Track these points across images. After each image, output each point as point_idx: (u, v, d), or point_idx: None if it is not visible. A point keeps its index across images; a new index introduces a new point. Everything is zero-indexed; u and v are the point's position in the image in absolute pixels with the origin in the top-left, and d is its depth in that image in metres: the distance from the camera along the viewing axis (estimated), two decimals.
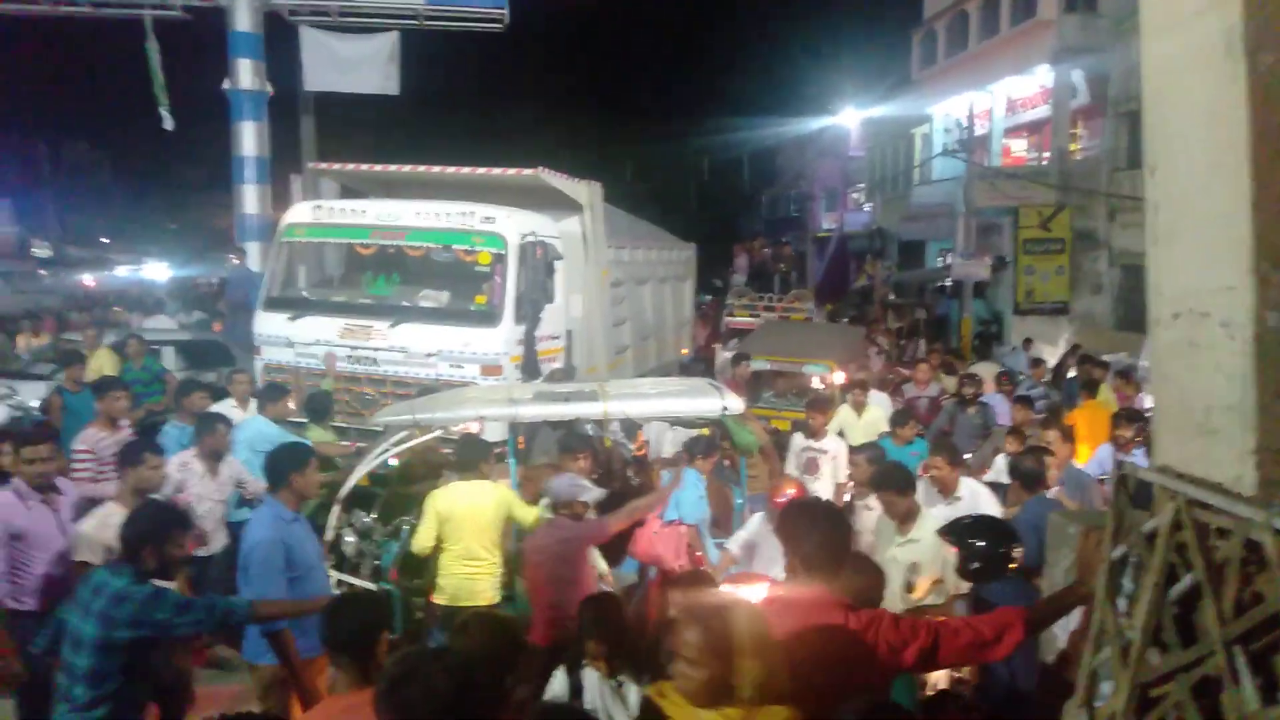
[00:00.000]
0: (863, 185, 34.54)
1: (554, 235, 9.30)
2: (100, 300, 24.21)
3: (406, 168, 10.53)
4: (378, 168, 10.72)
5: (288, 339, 8.89)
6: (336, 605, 3.16)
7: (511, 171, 9.85)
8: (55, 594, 4.50)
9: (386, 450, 5.85)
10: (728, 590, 4.29)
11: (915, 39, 27.64)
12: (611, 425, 7.64)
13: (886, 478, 5.11)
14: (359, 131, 26.26)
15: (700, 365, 14.16)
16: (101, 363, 9.91)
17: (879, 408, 9.00)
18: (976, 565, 3.91)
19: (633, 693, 3.57)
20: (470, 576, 5.35)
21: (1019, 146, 24.89)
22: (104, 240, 45.06)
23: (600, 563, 5.33)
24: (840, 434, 8.13)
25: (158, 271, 35.92)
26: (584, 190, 9.98)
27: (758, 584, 4.24)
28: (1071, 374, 12.09)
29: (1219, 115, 2.06)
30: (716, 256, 26.87)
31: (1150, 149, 2.35)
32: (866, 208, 33.42)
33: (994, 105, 23.85)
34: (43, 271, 30.31)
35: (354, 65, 16.80)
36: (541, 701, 3.44)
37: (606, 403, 5.94)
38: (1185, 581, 2.20)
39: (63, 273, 31.37)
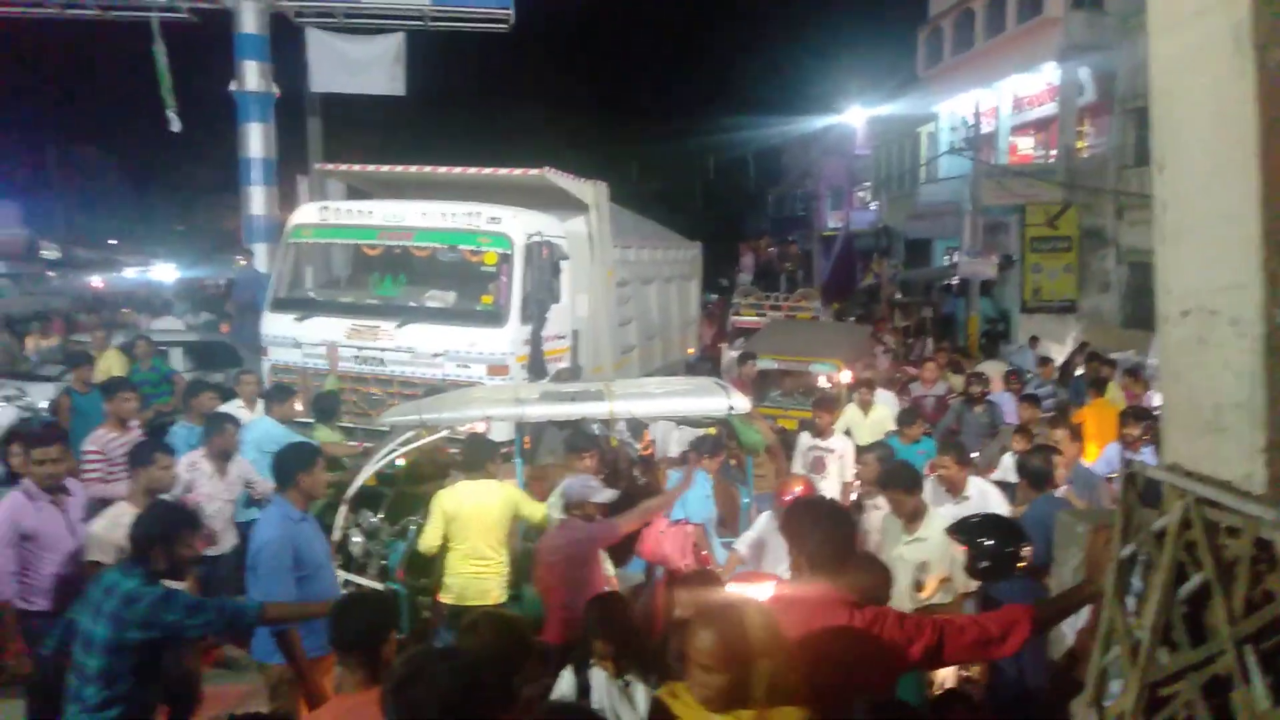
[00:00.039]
0: (869, 184, 34.46)
1: (560, 235, 9.30)
2: (108, 302, 24.29)
3: (413, 168, 10.55)
4: (384, 168, 10.75)
5: (295, 340, 8.91)
6: (344, 605, 3.17)
7: (517, 172, 9.86)
8: (65, 594, 4.52)
9: (393, 450, 5.86)
10: (734, 589, 4.30)
11: (921, 37, 27.56)
12: (618, 425, 7.64)
13: (893, 476, 5.11)
14: (365, 133, 26.37)
15: (706, 364, 14.15)
16: (110, 364, 9.95)
17: (885, 406, 8.98)
18: (985, 564, 3.90)
19: (640, 692, 3.57)
20: (477, 576, 5.36)
21: (1026, 144, 24.80)
22: (112, 242, 45.17)
23: (606, 563, 5.33)
24: (847, 433, 8.12)
25: (165, 273, 35.99)
26: (589, 190, 9.99)
27: (764, 583, 4.24)
28: (1079, 372, 12.05)
29: (1227, 112, 2.06)
30: (722, 255, 26.83)
31: (1158, 146, 2.34)
32: (873, 206, 33.35)
33: (1000, 103, 23.78)
34: (51, 273, 30.41)
35: (360, 66, 16.83)
36: (549, 701, 3.44)
37: (612, 402, 5.94)
38: (1195, 580, 2.19)
39: (71, 274, 31.47)
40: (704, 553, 5.92)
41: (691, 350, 15.08)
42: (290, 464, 4.40)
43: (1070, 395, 10.99)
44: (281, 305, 9.25)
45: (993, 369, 11.50)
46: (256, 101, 16.14)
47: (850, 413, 8.72)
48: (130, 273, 37.34)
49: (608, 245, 10.21)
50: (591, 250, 9.97)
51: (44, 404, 9.74)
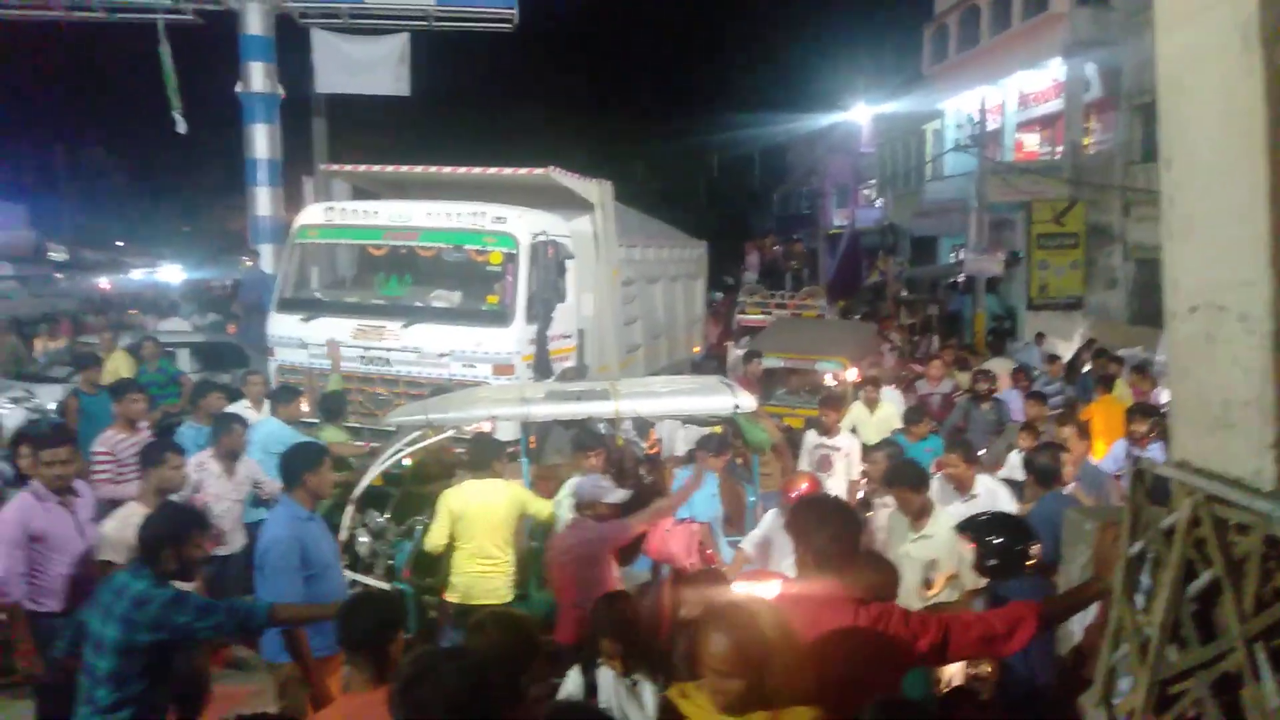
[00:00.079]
0: (874, 181, 34.40)
1: (565, 234, 9.31)
2: (116, 303, 24.39)
3: (418, 168, 10.56)
4: (389, 169, 10.76)
5: (301, 340, 8.93)
6: (352, 605, 3.18)
7: (522, 171, 9.87)
8: (75, 596, 4.54)
9: (400, 450, 5.87)
10: (741, 588, 4.30)
11: (926, 34, 27.50)
12: (624, 424, 7.64)
13: (900, 474, 5.11)
14: (370, 133, 26.41)
15: (712, 363, 14.13)
16: (117, 365, 9.99)
17: (891, 404, 8.97)
18: (994, 562, 3.89)
19: (647, 691, 3.57)
20: (483, 574, 5.37)
21: (1032, 141, 24.73)
22: (119, 243, 45.36)
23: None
24: (853, 431, 8.11)
25: (172, 274, 36.14)
26: (595, 189, 9.99)
27: (770, 581, 4.24)
28: (1086, 369, 12.02)
29: (1235, 108, 2.05)
30: (728, 254, 26.86)
31: (1165, 142, 2.33)
32: (878, 204, 33.29)
33: (1006, 99, 23.71)
34: (59, 275, 30.52)
35: (365, 67, 16.86)
36: (556, 700, 3.45)
37: (618, 401, 5.94)
38: (1204, 577, 2.18)
39: (78, 276, 31.59)
40: (709, 551, 5.93)
41: (697, 349, 15.08)
42: (297, 464, 4.41)
43: (1078, 392, 10.95)
44: (287, 306, 9.27)
45: (999, 366, 11.46)
46: (262, 102, 16.18)
47: (856, 411, 8.71)
48: (137, 274, 37.47)
49: (613, 244, 10.21)
50: (597, 249, 9.97)
51: (52, 405, 9.80)
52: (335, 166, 11.79)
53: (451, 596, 5.43)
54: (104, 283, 31.98)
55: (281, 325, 9.17)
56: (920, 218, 27.28)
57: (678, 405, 6.43)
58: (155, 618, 3.40)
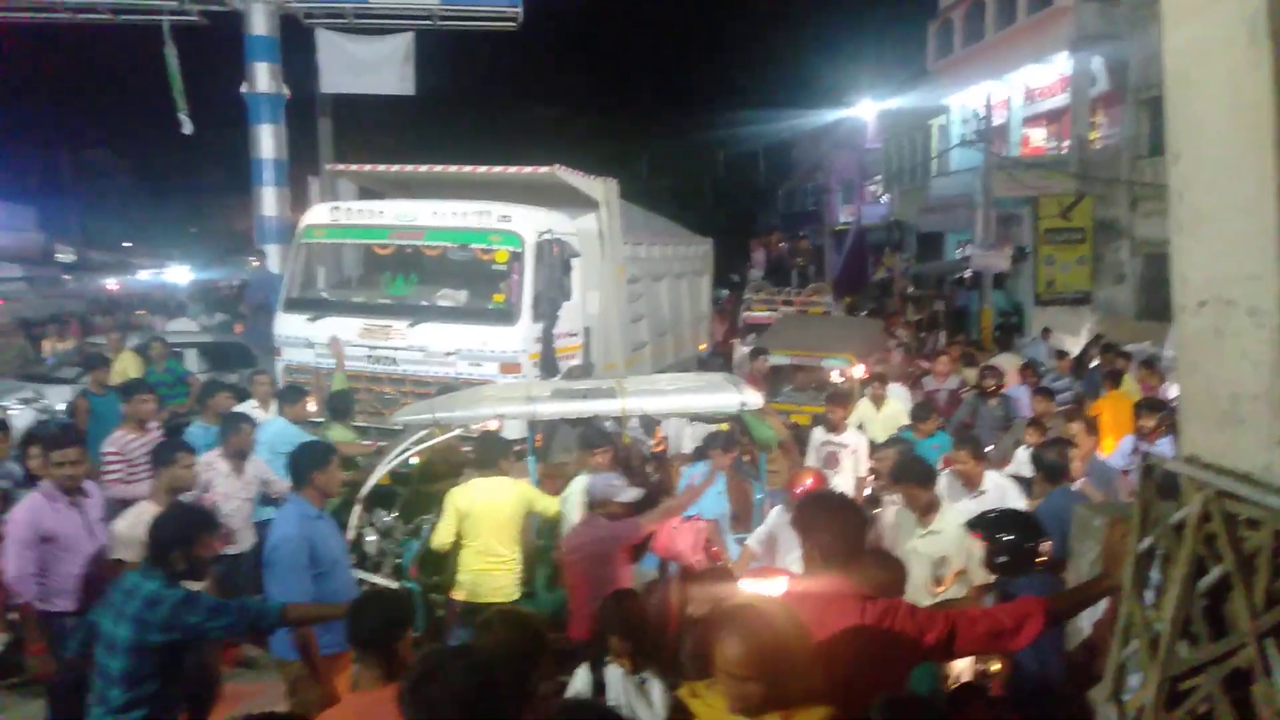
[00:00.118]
0: (880, 177, 34.31)
1: (571, 233, 9.31)
2: (123, 304, 24.46)
3: (423, 168, 10.56)
4: (394, 168, 10.77)
5: (307, 340, 8.95)
6: (361, 603, 3.19)
7: (527, 170, 9.87)
8: (87, 595, 4.57)
9: (407, 449, 5.88)
10: (748, 586, 4.30)
11: (931, 29, 27.42)
12: (630, 422, 7.64)
13: (907, 470, 5.10)
14: (375, 133, 26.43)
15: (718, 360, 14.13)
16: (125, 366, 10.03)
17: (898, 401, 8.95)
18: (1004, 559, 3.89)
19: (655, 689, 3.58)
20: (489, 572, 5.39)
21: (1038, 136, 24.65)
22: (126, 244, 45.53)
23: None
24: (860, 428, 8.10)
25: (179, 275, 36.24)
26: (600, 187, 9.98)
27: (777, 578, 4.24)
28: (1094, 364, 11.98)
29: (1243, 101, 2.04)
30: (733, 251, 26.80)
31: (1173, 136, 2.32)
32: (884, 200, 33.21)
33: (1012, 94, 23.62)
34: (66, 276, 30.62)
35: (370, 67, 16.87)
36: (565, 698, 3.45)
37: (624, 399, 5.94)
38: (1214, 573, 2.17)
39: (86, 277, 31.71)
40: (715, 549, 5.93)
41: (703, 346, 15.07)
42: (305, 462, 4.43)
43: (1086, 388, 10.92)
44: (294, 306, 9.30)
45: (1007, 362, 11.43)
46: (267, 103, 16.21)
47: (863, 407, 8.70)
48: (144, 275, 37.59)
49: (618, 242, 10.20)
50: (602, 247, 9.97)
51: (60, 406, 9.83)
52: (340, 166, 11.79)
53: (458, 594, 5.45)
54: (111, 284, 32.09)
55: (288, 325, 9.19)
56: (926, 214, 27.21)
57: (684, 403, 6.43)
58: (167, 618, 3.41)
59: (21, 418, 9.60)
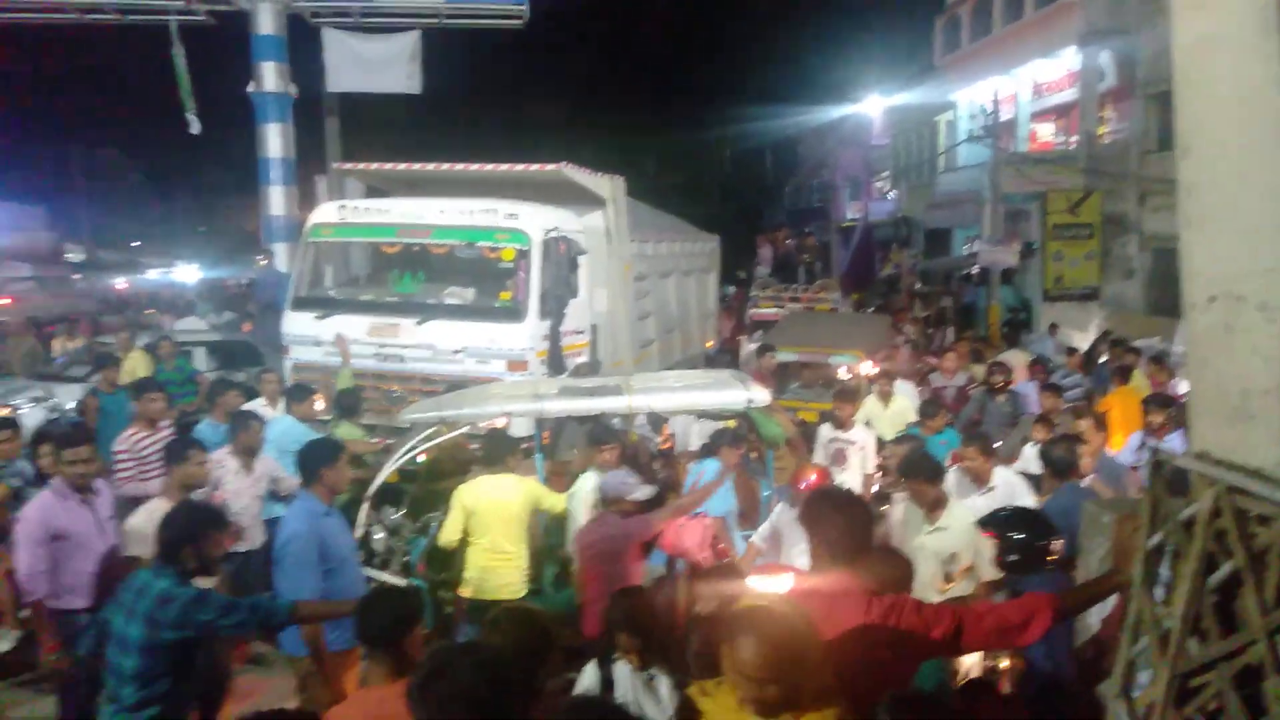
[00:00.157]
0: (887, 173, 34.22)
1: (577, 230, 9.31)
2: (133, 303, 24.61)
3: (430, 166, 10.58)
4: (401, 167, 10.79)
5: (315, 338, 8.98)
6: (370, 600, 3.21)
7: (534, 167, 9.88)
8: (100, 592, 4.59)
9: (415, 447, 5.90)
10: (755, 583, 4.29)
11: (938, 24, 27.33)
12: (637, 419, 7.64)
13: (915, 466, 5.09)
14: (383, 131, 26.47)
15: (726, 357, 14.13)
16: (135, 365, 10.08)
17: (905, 398, 8.93)
18: (1015, 558, 3.88)
19: (664, 685, 3.58)
20: (496, 569, 5.40)
21: (1046, 131, 24.53)
22: (135, 244, 45.71)
23: None
24: (867, 424, 8.08)
25: (188, 274, 36.41)
26: (606, 185, 9.98)
27: (783, 575, 4.24)
28: (1103, 360, 11.93)
29: (1253, 96, 2.03)
30: (740, 248, 26.73)
31: (1182, 131, 2.31)
32: (891, 196, 33.13)
33: (1019, 90, 23.52)
34: (76, 276, 30.73)
35: (376, 65, 16.91)
36: (573, 695, 3.46)
37: (632, 397, 5.94)
38: (1225, 569, 2.16)
39: (95, 277, 31.83)
40: (723, 545, 5.93)
41: (710, 343, 15.06)
42: (314, 459, 4.45)
43: (1094, 384, 10.88)
44: (302, 304, 9.32)
45: (1015, 358, 11.39)
46: (274, 102, 16.26)
47: (870, 404, 8.67)
48: (153, 274, 37.76)
49: (625, 239, 10.21)
50: (609, 245, 9.97)
51: (71, 405, 9.89)
52: (348, 165, 11.82)
53: (465, 591, 5.47)
54: (121, 283, 32.26)
55: (296, 323, 9.22)
56: (934, 210, 27.12)
57: (691, 400, 6.43)
58: (178, 616, 3.43)
59: (32, 416, 9.66)
